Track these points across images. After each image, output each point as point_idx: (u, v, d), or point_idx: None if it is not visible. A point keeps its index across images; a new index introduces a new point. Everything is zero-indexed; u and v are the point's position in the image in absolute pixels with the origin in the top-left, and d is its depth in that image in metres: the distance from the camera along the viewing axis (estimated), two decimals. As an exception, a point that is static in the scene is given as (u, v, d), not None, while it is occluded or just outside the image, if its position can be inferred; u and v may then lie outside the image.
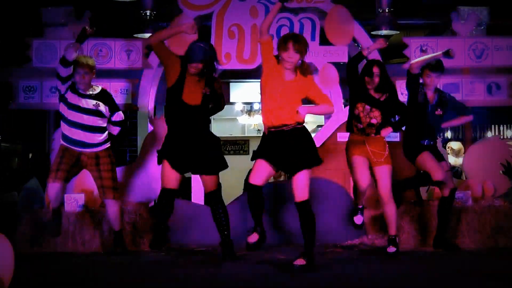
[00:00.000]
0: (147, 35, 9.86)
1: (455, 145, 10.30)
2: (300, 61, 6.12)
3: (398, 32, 10.49)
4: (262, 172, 6.15)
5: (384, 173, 6.86)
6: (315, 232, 6.13)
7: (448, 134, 14.37)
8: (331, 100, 8.50)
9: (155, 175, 7.91)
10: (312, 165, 6.12)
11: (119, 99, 8.42)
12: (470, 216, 7.60)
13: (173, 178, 6.56)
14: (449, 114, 7.51)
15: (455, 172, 8.92)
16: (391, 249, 6.80)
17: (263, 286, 5.51)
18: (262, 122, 6.34)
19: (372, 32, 10.01)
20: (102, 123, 7.11)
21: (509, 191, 8.53)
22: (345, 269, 6.24)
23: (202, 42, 6.65)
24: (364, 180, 6.90)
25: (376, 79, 6.85)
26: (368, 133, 6.91)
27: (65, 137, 7.04)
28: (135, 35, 9.99)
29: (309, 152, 6.13)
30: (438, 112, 7.27)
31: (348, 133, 7.08)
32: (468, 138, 8.87)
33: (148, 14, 10.20)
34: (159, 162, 6.63)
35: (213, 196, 6.69)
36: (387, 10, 10.15)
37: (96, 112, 7.03)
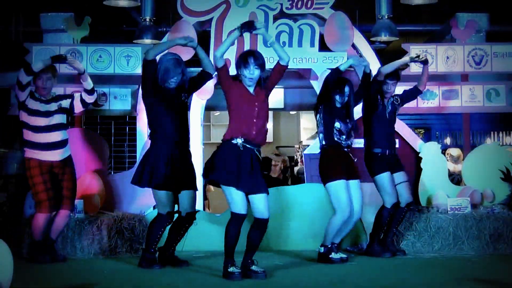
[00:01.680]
0: (147, 41, 9.90)
1: (454, 151, 10.32)
2: (259, 76, 6.16)
3: (398, 38, 10.52)
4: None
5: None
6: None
7: (447, 141, 14.39)
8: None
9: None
10: None
11: (118, 105, 8.44)
12: (469, 223, 7.60)
13: None
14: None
15: (454, 179, 8.93)
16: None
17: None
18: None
19: (371, 39, 10.04)
20: (64, 120, 7.16)
21: (508, 197, 8.55)
22: (341, 273, 6.26)
23: (172, 54, 6.66)
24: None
25: (345, 99, 7.06)
26: (349, 146, 7.12)
27: (33, 144, 7.00)
28: (135, 41, 10.02)
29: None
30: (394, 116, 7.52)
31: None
32: (467, 145, 8.87)
33: (148, 20, 10.23)
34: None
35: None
36: (386, 17, 10.17)
37: (60, 111, 7.09)
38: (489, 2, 10.47)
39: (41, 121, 6.98)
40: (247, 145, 6.04)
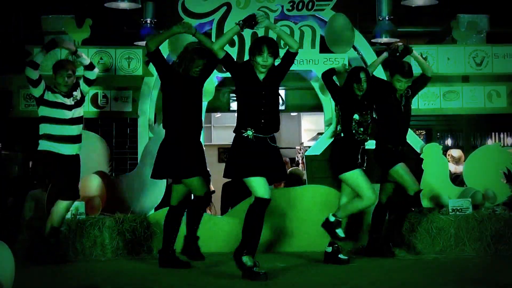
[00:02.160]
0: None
1: (456, 152, 10.32)
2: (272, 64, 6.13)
3: (398, 40, 10.53)
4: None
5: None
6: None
7: (449, 142, 14.39)
8: (332, 107, 8.59)
9: (155, 183, 7.93)
10: None
11: (119, 107, 8.44)
12: (471, 224, 7.60)
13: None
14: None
15: (456, 179, 8.92)
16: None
17: None
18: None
19: (372, 40, 10.05)
20: (82, 114, 7.30)
21: (509, 199, 8.55)
22: (342, 274, 6.26)
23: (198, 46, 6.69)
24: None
25: (364, 85, 6.96)
26: (365, 138, 7.03)
27: (52, 137, 7.06)
28: (136, 43, 10.04)
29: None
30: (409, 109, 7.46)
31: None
32: (468, 146, 8.87)
33: (148, 22, 10.26)
34: None
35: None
36: (387, 18, 10.22)
37: (76, 105, 7.19)
38: (490, 3, 10.48)
39: (64, 114, 7.09)
40: (259, 135, 6.04)
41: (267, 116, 6.05)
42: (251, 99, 6.08)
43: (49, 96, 7.10)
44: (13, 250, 4.85)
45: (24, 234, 7.48)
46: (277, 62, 6.19)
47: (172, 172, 6.62)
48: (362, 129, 6.97)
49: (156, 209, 8.08)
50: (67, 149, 7.07)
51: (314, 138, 15.04)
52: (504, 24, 10.55)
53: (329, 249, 6.97)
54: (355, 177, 6.87)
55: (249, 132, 5.99)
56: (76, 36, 8.52)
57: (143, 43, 9.89)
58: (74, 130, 7.13)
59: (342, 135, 7.04)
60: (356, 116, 6.94)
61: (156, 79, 8.54)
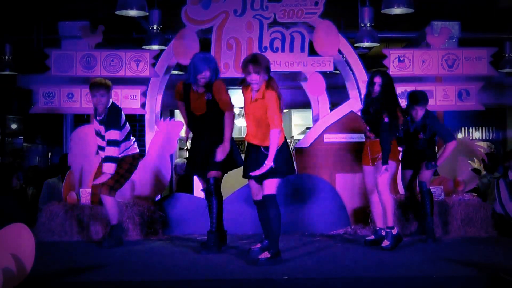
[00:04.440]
0: (155, 46, 9.89)
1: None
2: (267, 78, 5.95)
3: (379, 44, 10.53)
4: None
5: (381, 166, 6.67)
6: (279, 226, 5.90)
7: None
8: (319, 105, 8.58)
9: (161, 172, 7.94)
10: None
11: (129, 105, 8.43)
12: (443, 208, 7.61)
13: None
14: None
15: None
16: (385, 243, 6.62)
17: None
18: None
19: (355, 44, 10.04)
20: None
21: (477, 186, 8.58)
22: (327, 254, 6.26)
23: (203, 53, 6.66)
24: (366, 184, 6.97)
25: (377, 88, 6.81)
26: (369, 136, 6.93)
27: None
28: (144, 47, 10.02)
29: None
30: (421, 136, 7.32)
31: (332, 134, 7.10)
32: (441, 139, 8.86)
33: (155, 28, 10.23)
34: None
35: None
36: (368, 25, 10.20)
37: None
38: (461, 11, 10.48)
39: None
40: (252, 143, 6.04)
41: (250, 129, 6.09)
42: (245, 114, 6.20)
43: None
44: (33, 231, 4.87)
45: (43, 217, 7.48)
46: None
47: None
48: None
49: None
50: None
51: (303, 132, 15.05)
52: (474, 29, 10.53)
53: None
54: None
55: (246, 142, 6.11)
56: (90, 40, 8.50)
57: (150, 47, 9.87)
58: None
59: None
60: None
61: (161, 79, 8.53)
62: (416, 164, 7.36)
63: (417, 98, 7.25)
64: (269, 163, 5.76)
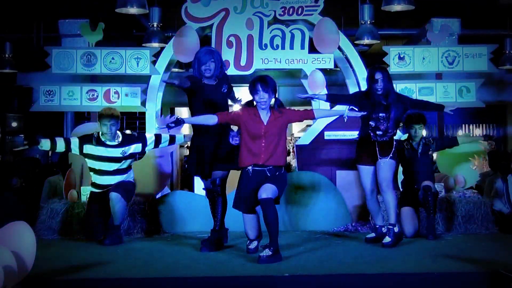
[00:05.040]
0: (155, 44, 9.90)
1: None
2: (273, 98, 6.06)
3: (379, 41, 10.53)
4: None
5: (385, 164, 6.67)
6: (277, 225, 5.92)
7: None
8: (319, 102, 8.58)
9: (162, 170, 7.94)
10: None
11: (129, 102, 8.42)
12: (443, 205, 7.61)
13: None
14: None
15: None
16: (386, 239, 6.59)
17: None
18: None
19: (355, 41, 10.04)
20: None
21: (478, 182, 8.57)
22: (328, 251, 6.26)
23: (206, 46, 6.68)
24: (367, 184, 6.83)
25: (381, 84, 6.68)
26: (384, 137, 6.75)
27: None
28: (144, 45, 10.03)
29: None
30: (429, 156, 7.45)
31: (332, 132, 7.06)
32: (441, 136, 8.86)
33: (155, 25, 10.24)
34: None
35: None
36: (369, 22, 10.22)
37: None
38: (461, 8, 10.48)
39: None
40: (266, 165, 6.00)
41: (267, 150, 6.05)
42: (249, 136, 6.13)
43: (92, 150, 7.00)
44: (34, 229, 4.87)
45: (43, 215, 7.49)
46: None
47: None
48: (379, 132, 6.75)
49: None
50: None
51: (303, 130, 15.05)
52: (474, 26, 10.54)
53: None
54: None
55: (249, 168, 6.03)
56: (90, 38, 8.50)
57: (150, 44, 9.88)
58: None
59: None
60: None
61: (161, 76, 8.53)
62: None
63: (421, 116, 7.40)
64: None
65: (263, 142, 5.99)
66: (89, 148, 6.98)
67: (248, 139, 6.02)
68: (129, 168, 7.13)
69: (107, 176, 7.00)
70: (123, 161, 7.00)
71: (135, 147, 7.04)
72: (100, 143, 6.96)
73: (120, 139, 6.99)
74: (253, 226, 6.15)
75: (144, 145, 7.09)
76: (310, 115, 6.32)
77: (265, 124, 6.02)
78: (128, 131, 7.09)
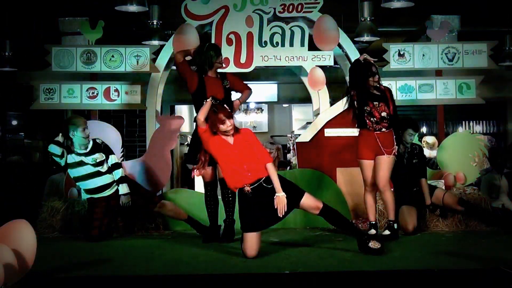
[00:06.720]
0: (155, 42, 9.89)
1: (430, 139, 10.32)
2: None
3: (379, 38, 10.52)
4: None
5: (384, 163, 6.73)
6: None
7: (424, 129, 14.42)
8: (319, 99, 8.57)
9: (162, 168, 7.93)
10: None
11: (129, 100, 8.42)
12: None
13: (208, 172, 6.77)
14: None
15: (431, 163, 8.92)
16: (386, 232, 6.78)
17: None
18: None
19: (355, 39, 10.03)
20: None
21: (478, 180, 8.57)
22: (329, 248, 6.26)
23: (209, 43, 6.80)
24: (369, 177, 6.89)
25: (376, 77, 6.79)
26: (381, 127, 6.77)
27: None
28: (143, 42, 10.01)
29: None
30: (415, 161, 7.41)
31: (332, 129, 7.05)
32: (441, 133, 8.86)
33: (155, 23, 10.23)
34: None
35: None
36: (368, 19, 10.20)
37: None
38: (461, 5, 10.47)
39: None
40: (251, 184, 5.93)
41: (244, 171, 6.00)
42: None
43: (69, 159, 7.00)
44: (34, 227, 4.87)
45: (45, 213, 7.49)
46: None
47: None
48: (375, 119, 6.77)
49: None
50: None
51: (303, 127, 15.04)
52: (474, 23, 10.53)
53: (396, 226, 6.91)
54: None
55: (247, 188, 5.93)
56: (90, 36, 8.49)
57: (150, 42, 9.86)
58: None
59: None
60: (368, 108, 6.79)
61: (162, 74, 8.52)
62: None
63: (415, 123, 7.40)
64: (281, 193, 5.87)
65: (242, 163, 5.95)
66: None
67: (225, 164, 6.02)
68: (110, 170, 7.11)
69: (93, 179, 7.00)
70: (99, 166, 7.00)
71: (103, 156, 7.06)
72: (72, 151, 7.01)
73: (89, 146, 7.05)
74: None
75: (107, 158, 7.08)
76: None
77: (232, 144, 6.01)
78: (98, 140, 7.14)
